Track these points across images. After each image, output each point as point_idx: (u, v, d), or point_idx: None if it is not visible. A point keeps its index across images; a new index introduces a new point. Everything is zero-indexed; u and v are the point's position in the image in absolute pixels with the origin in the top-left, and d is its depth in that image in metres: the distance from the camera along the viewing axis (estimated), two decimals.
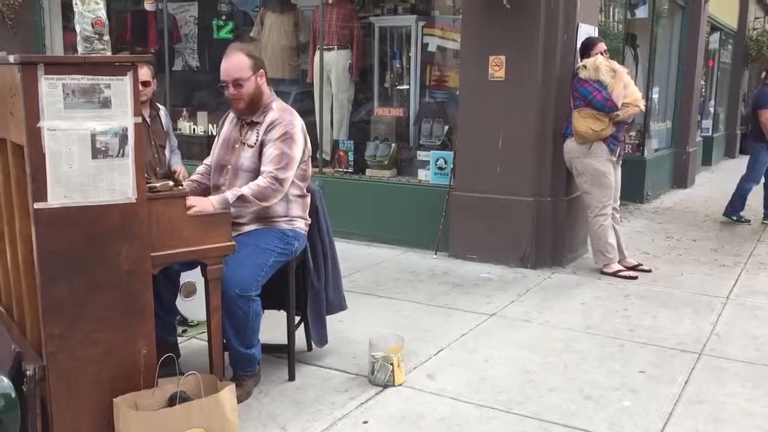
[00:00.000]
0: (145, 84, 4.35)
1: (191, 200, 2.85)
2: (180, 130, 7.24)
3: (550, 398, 3.16)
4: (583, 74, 5.07)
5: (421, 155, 6.09)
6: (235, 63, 3.05)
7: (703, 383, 3.35)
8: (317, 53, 6.49)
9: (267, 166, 3.03)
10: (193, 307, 3.87)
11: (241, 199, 2.95)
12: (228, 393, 2.48)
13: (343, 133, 6.63)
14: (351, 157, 6.40)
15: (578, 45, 5.31)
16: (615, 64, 5.15)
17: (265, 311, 3.47)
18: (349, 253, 5.63)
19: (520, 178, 5.33)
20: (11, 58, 2.14)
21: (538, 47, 5.15)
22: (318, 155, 6.48)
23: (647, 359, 3.63)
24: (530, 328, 4.08)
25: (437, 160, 5.89)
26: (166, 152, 4.54)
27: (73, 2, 2.26)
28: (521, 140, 5.29)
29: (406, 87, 6.59)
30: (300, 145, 3.11)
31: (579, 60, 5.27)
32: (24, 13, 7.51)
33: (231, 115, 3.30)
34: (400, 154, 6.41)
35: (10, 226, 2.52)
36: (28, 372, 2.32)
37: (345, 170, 6.41)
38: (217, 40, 7.34)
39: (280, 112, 3.12)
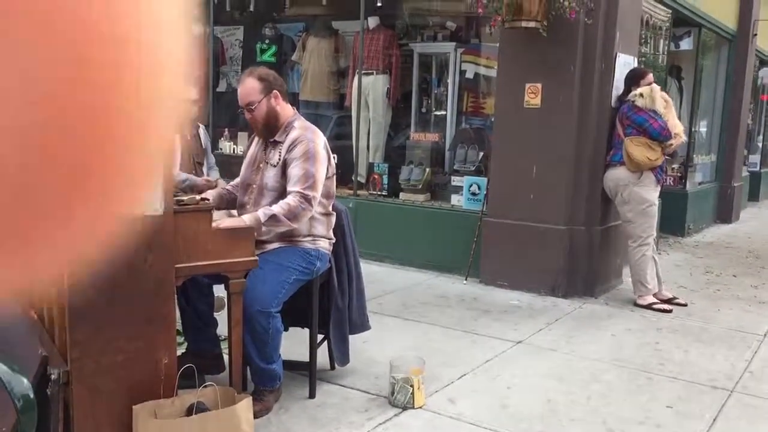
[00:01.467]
0: (195, 103, 4.50)
1: (227, 221, 2.93)
2: (221, 149, 7.42)
3: (571, 429, 3.11)
4: (639, 102, 5.04)
5: (455, 180, 6.11)
6: (245, 88, 3.15)
7: (733, 421, 3.25)
8: (356, 77, 6.59)
9: (294, 186, 3.07)
10: (222, 321, 3.93)
11: (273, 218, 3.00)
12: (244, 406, 2.51)
13: (378, 157, 6.70)
14: (385, 180, 6.45)
15: (616, 74, 5.29)
16: (666, 96, 5.15)
17: (291, 329, 3.52)
18: (379, 275, 5.65)
19: (553, 205, 5.30)
20: None
21: (575, 76, 5.15)
22: (353, 177, 6.55)
23: (676, 394, 3.55)
24: (556, 358, 4.03)
25: (471, 185, 5.90)
26: (204, 169, 4.66)
27: None
28: (556, 168, 5.26)
29: (442, 113, 6.64)
30: (323, 163, 3.15)
31: (623, 89, 5.24)
32: None
33: None
34: (434, 179, 6.44)
35: None
36: (52, 376, 2.39)
37: (379, 193, 6.46)
38: (260, 63, 7.52)
39: (301, 130, 3.18)
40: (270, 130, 3.19)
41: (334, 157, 3.37)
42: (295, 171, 3.09)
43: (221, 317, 3.39)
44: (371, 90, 6.59)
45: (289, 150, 3.13)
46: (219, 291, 3.52)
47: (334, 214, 3.35)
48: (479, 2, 4.90)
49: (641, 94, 5.03)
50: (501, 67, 5.53)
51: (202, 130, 4.67)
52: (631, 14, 5.48)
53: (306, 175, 3.07)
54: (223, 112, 7.91)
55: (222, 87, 7.95)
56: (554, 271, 5.31)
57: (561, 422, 3.17)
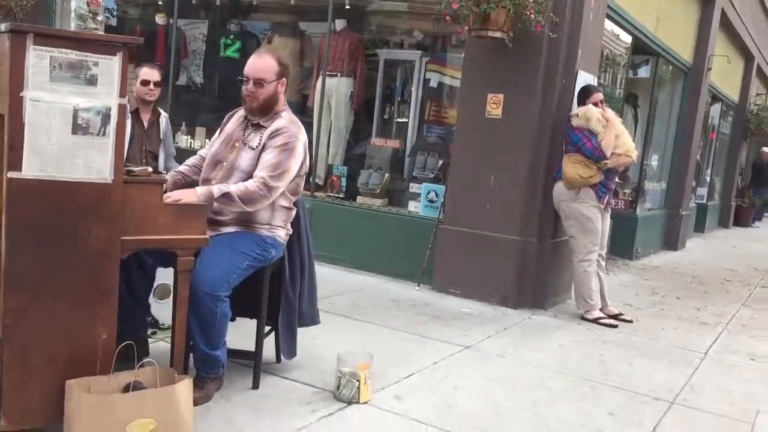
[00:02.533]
0: (157, 84, 4.39)
1: (176, 193, 2.85)
2: (177, 143, 7.26)
3: (515, 430, 3.10)
4: (575, 122, 5.12)
5: (414, 187, 6.11)
6: (263, 63, 3.11)
7: (672, 431, 3.29)
8: (320, 78, 6.56)
9: (261, 171, 3.02)
10: (165, 309, 3.82)
11: (227, 196, 2.93)
12: (184, 386, 2.42)
13: (338, 159, 6.66)
14: (343, 182, 6.41)
15: (576, 90, 5.37)
16: (609, 113, 5.20)
17: (238, 319, 3.44)
18: (331, 277, 5.60)
19: (508, 216, 5.33)
20: (2, 27, 2.16)
21: (537, 89, 5.21)
22: (311, 179, 6.50)
23: (618, 402, 3.58)
24: (504, 363, 4.03)
25: (428, 192, 5.91)
26: (160, 160, 4.53)
27: None
28: (513, 179, 5.30)
29: (404, 119, 6.65)
30: (298, 159, 3.11)
31: (576, 106, 5.32)
32: (36, 15, 7.61)
33: (239, 113, 3.30)
34: (393, 185, 6.43)
35: None
36: None
37: (336, 195, 6.41)
38: (222, 58, 7.43)
39: (287, 122, 3.14)
40: (263, 112, 3.14)
41: None
42: (267, 157, 3.04)
43: (167, 305, 3.30)
44: (334, 92, 6.57)
45: (271, 137, 3.08)
46: (162, 279, 3.44)
47: (296, 209, 3.30)
48: (445, 11, 4.93)
49: (577, 114, 5.12)
50: (465, 76, 5.57)
51: (163, 118, 4.54)
52: (594, 34, 5.59)
53: (277, 165, 3.02)
54: (182, 106, 7.78)
55: (182, 80, 7.81)
56: (506, 282, 5.34)
57: (505, 423, 3.16)
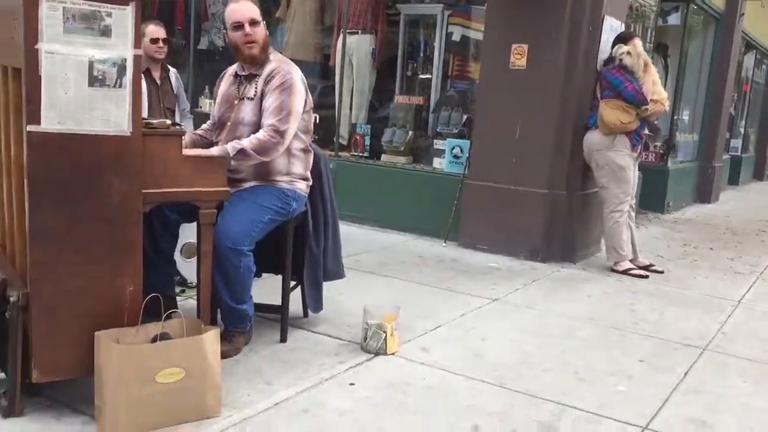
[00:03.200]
0: (165, 41, 4.38)
1: (194, 150, 2.85)
2: (201, 107, 7.27)
3: (543, 378, 3.08)
4: (627, 60, 4.93)
5: (438, 143, 6.04)
6: (248, 5, 3.08)
7: (704, 376, 3.25)
8: (341, 36, 6.48)
9: (267, 119, 3.01)
10: (193, 268, 3.84)
11: (242, 152, 2.92)
12: (211, 337, 2.44)
13: (361, 118, 6.61)
14: (367, 141, 6.37)
15: (602, 38, 5.22)
16: (647, 58, 5.07)
17: (264, 275, 3.47)
18: (357, 236, 5.60)
19: (535, 169, 5.25)
20: None
21: (562, 37, 5.08)
22: (335, 139, 6.46)
23: (649, 350, 3.54)
24: (532, 314, 4.00)
25: (453, 148, 5.84)
26: (176, 116, 4.54)
27: None
28: (539, 131, 5.21)
29: (427, 76, 6.55)
30: (300, 95, 3.08)
31: (609, 53, 5.14)
32: None
33: (228, 72, 3.28)
34: (417, 142, 6.36)
35: (6, 154, 2.52)
36: (11, 298, 2.31)
37: (361, 154, 6.38)
38: None
39: (277, 62, 3.12)
40: (262, 55, 3.10)
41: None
42: (269, 102, 3.01)
43: (195, 263, 3.31)
44: (356, 50, 6.48)
45: (267, 81, 3.05)
46: (188, 237, 3.45)
47: (312, 152, 3.28)
48: None
49: (628, 52, 4.94)
50: (488, 26, 5.44)
51: (173, 74, 4.55)
52: None
53: (281, 107, 3.00)
54: (204, 70, 7.75)
55: (204, 44, 7.77)
56: (534, 236, 5.28)
57: (534, 371, 3.14)
